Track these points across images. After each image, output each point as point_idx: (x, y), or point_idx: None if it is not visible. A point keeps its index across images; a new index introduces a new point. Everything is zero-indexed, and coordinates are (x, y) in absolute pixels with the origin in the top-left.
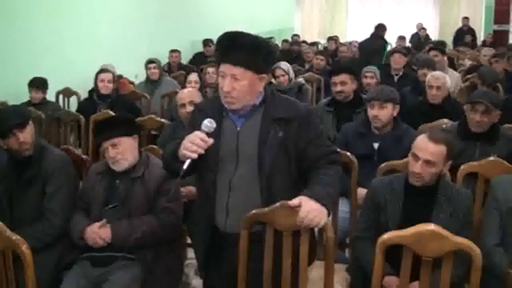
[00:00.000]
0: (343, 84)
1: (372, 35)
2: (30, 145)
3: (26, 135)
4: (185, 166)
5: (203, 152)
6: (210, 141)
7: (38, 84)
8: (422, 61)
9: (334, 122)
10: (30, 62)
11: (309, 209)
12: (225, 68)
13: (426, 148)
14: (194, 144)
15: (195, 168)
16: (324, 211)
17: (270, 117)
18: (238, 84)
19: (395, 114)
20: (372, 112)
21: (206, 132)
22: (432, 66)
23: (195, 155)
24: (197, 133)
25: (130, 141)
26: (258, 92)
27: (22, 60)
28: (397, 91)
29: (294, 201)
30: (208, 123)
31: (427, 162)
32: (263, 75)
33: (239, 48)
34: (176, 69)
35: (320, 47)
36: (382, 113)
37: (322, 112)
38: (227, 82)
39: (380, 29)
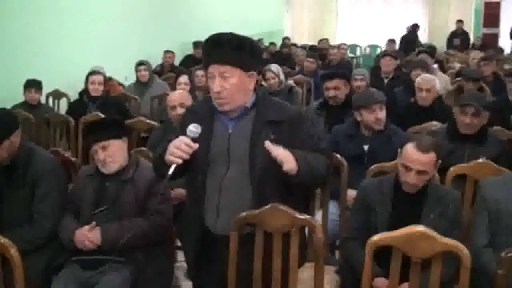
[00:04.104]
0: (337, 89)
1: None
2: (9, 155)
3: (2, 152)
4: (170, 171)
5: (188, 157)
6: (195, 146)
7: (35, 85)
8: (415, 62)
9: (325, 124)
10: (19, 64)
11: (281, 152)
12: (213, 68)
13: (417, 159)
14: (179, 150)
15: (186, 170)
16: (293, 161)
17: (262, 120)
18: (228, 83)
19: None
20: (375, 115)
21: (191, 137)
22: (425, 67)
23: (179, 161)
24: (182, 138)
25: (120, 143)
26: (249, 91)
27: (10, 62)
28: (386, 94)
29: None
30: (193, 128)
31: (420, 172)
32: (251, 72)
33: (223, 46)
34: (168, 70)
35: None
36: (384, 115)
37: (313, 115)
38: (217, 83)
39: None
